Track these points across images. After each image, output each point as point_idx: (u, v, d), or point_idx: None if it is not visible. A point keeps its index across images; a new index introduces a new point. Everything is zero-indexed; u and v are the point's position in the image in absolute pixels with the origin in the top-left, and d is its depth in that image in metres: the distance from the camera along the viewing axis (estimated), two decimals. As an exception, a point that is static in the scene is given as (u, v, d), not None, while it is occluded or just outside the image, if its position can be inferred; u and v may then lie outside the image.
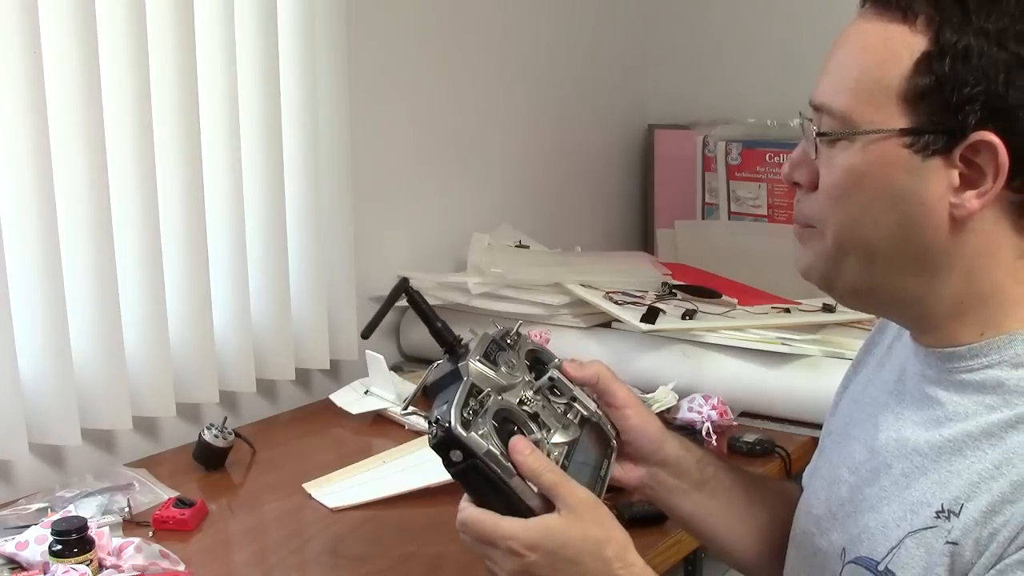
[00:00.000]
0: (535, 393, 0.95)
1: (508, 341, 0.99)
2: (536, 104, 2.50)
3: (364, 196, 2.02)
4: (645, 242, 2.78)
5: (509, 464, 0.85)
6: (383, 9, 2.07)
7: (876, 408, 0.97)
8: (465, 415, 0.86)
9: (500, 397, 0.90)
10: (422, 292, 2.10)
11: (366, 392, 1.86)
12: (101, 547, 1.24)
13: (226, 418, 1.64)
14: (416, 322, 2.11)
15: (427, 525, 1.41)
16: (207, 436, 1.59)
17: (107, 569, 1.23)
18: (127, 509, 1.42)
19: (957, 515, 0.83)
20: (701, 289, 2.03)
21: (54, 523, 1.23)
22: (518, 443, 0.86)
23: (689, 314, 1.88)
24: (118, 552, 1.25)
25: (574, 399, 0.97)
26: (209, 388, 1.72)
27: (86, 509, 1.38)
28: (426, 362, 2.10)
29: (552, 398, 0.97)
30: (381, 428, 1.78)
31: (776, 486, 1.13)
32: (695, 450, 1.03)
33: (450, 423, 0.85)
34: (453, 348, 0.96)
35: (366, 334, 1.01)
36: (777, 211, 2.48)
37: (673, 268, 2.21)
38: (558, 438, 0.92)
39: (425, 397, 0.97)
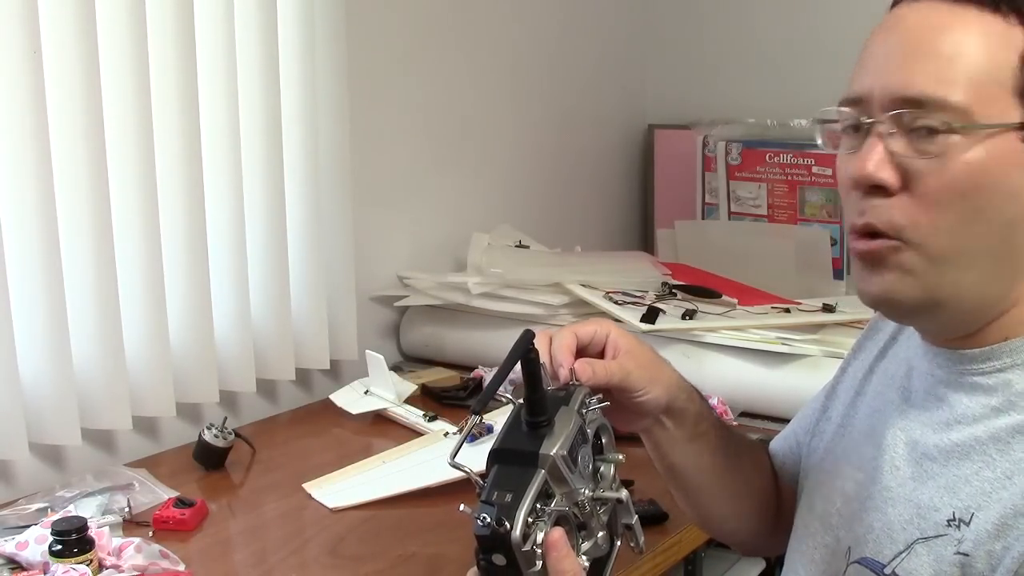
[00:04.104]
0: (594, 500, 0.84)
1: (588, 422, 0.87)
2: (536, 104, 2.50)
3: (364, 196, 2.02)
4: (645, 242, 2.78)
5: None
6: (383, 9, 2.07)
7: (881, 403, 0.96)
8: (529, 521, 0.76)
9: (562, 500, 0.81)
10: (422, 292, 2.11)
11: (366, 392, 1.86)
12: (101, 547, 1.24)
13: (226, 418, 1.64)
14: (416, 322, 2.13)
15: (427, 525, 1.41)
16: (207, 436, 1.59)
17: (107, 569, 1.23)
18: (127, 509, 1.42)
19: (968, 524, 0.82)
20: (701, 289, 2.03)
21: (54, 523, 1.23)
22: (558, 541, 0.78)
23: (689, 314, 1.88)
24: (118, 552, 1.25)
25: (620, 502, 0.87)
26: (209, 388, 1.72)
27: (86, 509, 1.38)
28: (425, 362, 2.10)
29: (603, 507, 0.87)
30: (381, 428, 1.78)
31: (751, 452, 1.11)
32: (697, 402, 1.00)
33: (511, 529, 0.75)
34: (539, 424, 0.83)
35: (478, 408, 0.82)
36: (777, 211, 2.48)
37: (673, 268, 2.21)
38: (587, 546, 0.84)
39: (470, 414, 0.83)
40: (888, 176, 0.82)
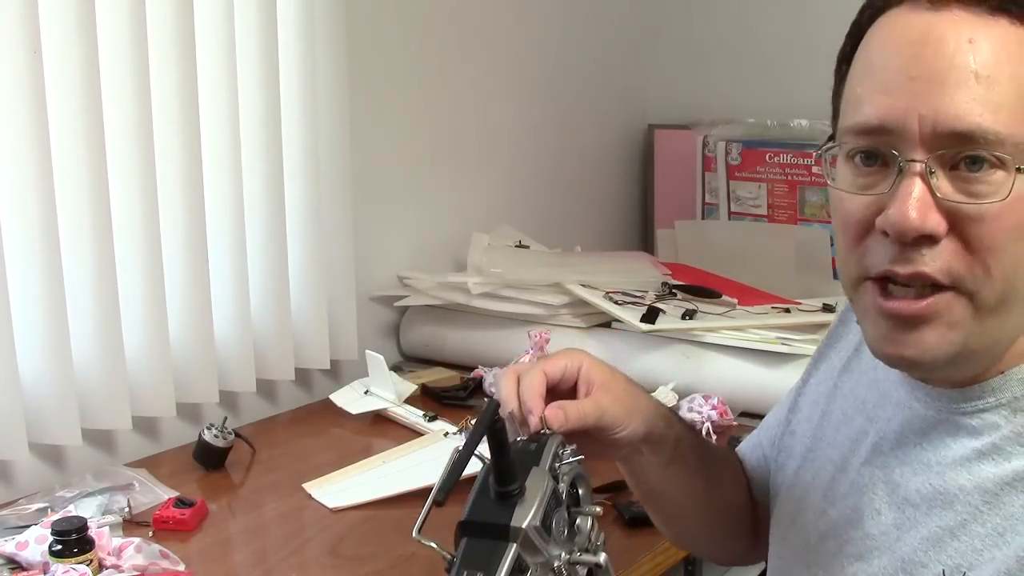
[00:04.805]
0: (571, 564, 0.79)
1: (561, 478, 0.80)
2: (536, 104, 2.50)
3: (364, 196, 2.02)
4: (645, 242, 2.78)
5: None
6: (383, 9, 2.07)
7: (853, 431, 0.91)
8: None
9: (537, 571, 0.75)
10: (422, 292, 2.11)
11: (366, 392, 1.86)
12: (101, 547, 1.24)
13: (226, 418, 1.64)
14: (416, 322, 2.13)
15: (427, 525, 1.40)
16: (207, 436, 1.59)
17: (107, 569, 1.23)
18: (127, 509, 1.42)
19: None
20: (701, 289, 2.03)
21: (54, 523, 1.23)
22: None
23: (689, 314, 1.88)
24: (118, 552, 1.25)
25: (599, 567, 0.81)
26: (209, 388, 1.72)
27: (86, 509, 1.38)
28: (425, 362, 2.10)
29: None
30: (381, 428, 1.78)
31: (731, 468, 1.07)
32: (675, 426, 0.95)
33: None
34: (509, 494, 0.76)
35: (440, 499, 0.74)
36: (777, 211, 2.48)
37: (673, 268, 2.21)
38: None
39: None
40: (936, 225, 0.72)
